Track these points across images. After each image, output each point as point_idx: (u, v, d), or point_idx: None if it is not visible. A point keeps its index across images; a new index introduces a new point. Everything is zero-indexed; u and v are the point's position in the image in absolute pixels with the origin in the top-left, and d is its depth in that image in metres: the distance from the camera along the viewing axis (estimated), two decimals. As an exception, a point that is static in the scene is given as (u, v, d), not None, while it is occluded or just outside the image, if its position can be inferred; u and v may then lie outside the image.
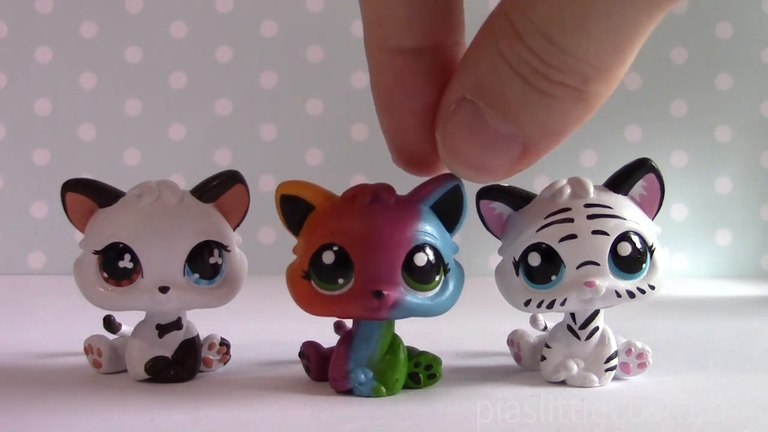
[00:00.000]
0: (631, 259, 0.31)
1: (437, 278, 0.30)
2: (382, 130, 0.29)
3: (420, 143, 0.29)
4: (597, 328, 0.33)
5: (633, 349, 0.33)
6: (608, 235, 0.31)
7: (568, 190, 0.31)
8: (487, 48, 0.23)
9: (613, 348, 0.33)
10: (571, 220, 0.31)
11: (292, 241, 0.32)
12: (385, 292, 0.29)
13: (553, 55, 0.21)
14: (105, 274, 0.32)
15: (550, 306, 0.31)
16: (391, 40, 0.27)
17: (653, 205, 0.32)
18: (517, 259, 0.32)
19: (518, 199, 0.32)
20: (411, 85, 0.28)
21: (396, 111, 0.29)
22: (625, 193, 0.32)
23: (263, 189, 0.77)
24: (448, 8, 0.26)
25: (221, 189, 0.33)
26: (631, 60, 0.22)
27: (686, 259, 0.81)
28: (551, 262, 0.31)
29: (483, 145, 0.24)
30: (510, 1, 0.22)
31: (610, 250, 0.31)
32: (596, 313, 0.33)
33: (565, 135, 0.24)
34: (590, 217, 0.31)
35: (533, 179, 0.78)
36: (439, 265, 0.30)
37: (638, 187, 0.32)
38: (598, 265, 0.31)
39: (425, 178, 0.31)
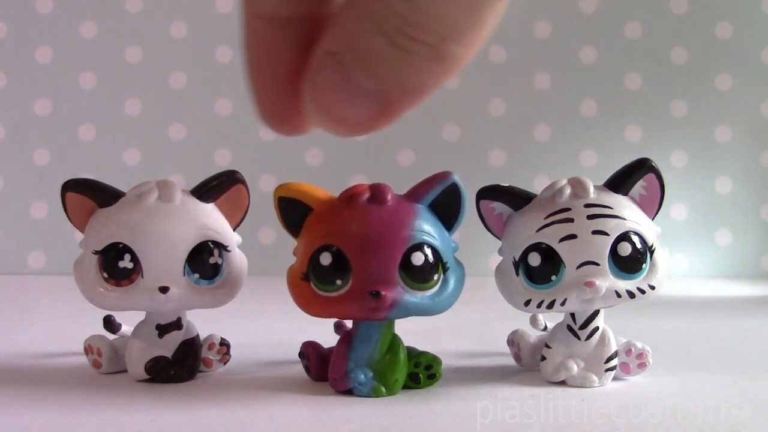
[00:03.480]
0: (631, 260, 0.31)
1: (436, 277, 0.30)
2: (248, 86, 0.31)
3: (281, 106, 0.30)
4: (597, 328, 0.33)
5: (633, 349, 0.33)
6: (608, 235, 0.31)
7: (568, 190, 0.31)
8: (356, 5, 0.25)
9: (613, 348, 0.33)
10: (571, 220, 0.31)
11: (292, 241, 0.32)
12: (382, 293, 0.29)
13: (411, 13, 0.23)
14: (105, 274, 0.32)
15: (550, 306, 0.31)
16: (264, 7, 0.28)
17: (653, 205, 0.32)
18: (517, 259, 0.32)
19: (518, 199, 0.32)
20: (278, 52, 0.29)
21: (262, 75, 0.30)
22: (625, 193, 0.32)
23: (263, 189, 0.77)
24: None
25: (221, 189, 0.33)
26: (489, 25, 0.24)
27: (686, 259, 0.81)
28: (551, 262, 0.31)
29: (345, 98, 0.26)
30: None
31: (610, 250, 0.31)
32: (596, 313, 0.33)
33: (424, 94, 0.26)
34: (590, 217, 0.31)
35: (533, 179, 0.78)
36: (437, 263, 0.30)
37: (638, 187, 0.32)
38: (598, 265, 0.31)
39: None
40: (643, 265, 0.31)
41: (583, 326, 0.33)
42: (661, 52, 0.83)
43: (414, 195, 0.31)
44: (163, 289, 0.32)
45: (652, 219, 0.32)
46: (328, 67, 0.26)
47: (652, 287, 0.31)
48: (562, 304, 0.31)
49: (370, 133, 0.27)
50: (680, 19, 0.82)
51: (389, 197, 0.30)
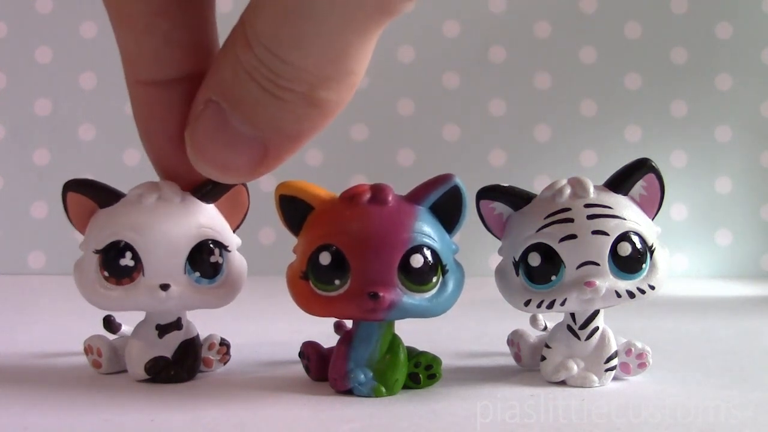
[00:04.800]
0: (631, 260, 0.31)
1: (434, 279, 0.30)
2: (146, 152, 0.32)
3: (178, 163, 0.31)
4: (597, 328, 0.33)
5: (633, 349, 0.33)
6: (608, 235, 0.31)
7: (568, 190, 0.31)
8: (229, 53, 0.25)
9: (613, 348, 0.33)
10: (571, 220, 0.31)
11: (292, 241, 0.32)
12: (380, 294, 0.29)
13: (277, 65, 0.23)
14: (105, 273, 0.32)
15: (550, 306, 0.31)
16: (142, 74, 0.29)
17: (653, 205, 0.32)
18: (517, 259, 0.32)
19: (518, 199, 0.32)
20: (164, 114, 0.30)
21: (153, 137, 0.31)
22: (625, 193, 0.32)
23: (263, 189, 0.77)
24: (200, 40, 0.28)
25: (221, 190, 0.33)
26: (360, 67, 0.24)
27: (686, 259, 0.81)
28: (551, 262, 0.31)
29: (226, 144, 0.26)
30: (247, 9, 0.24)
31: (610, 251, 0.31)
32: (596, 313, 0.33)
33: (305, 139, 0.26)
34: (590, 217, 0.31)
35: (533, 179, 0.79)
36: (436, 266, 0.30)
37: (638, 187, 0.32)
38: (598, 265, 0.31)
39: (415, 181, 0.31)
40: (643, 265, 0.31)
41: (583, 326, 0.33)
42: (661, 52, 0.83)
43: (415, 196, 0.31)
44: (164, 287, 0.32)
45: (652, 219, 0.32)
46: (208, 114, 0.26)
47: (652, 287, 0.31)
48: (562, 304, 0.31)
49: (253, 179, 0.27)
50: (680, 19, 0.82)
51: (390, 198, 0.30)
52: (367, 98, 0.81)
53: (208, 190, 0.33)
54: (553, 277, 0.31)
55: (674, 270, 0.79)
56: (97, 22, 0.82)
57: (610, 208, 0.31)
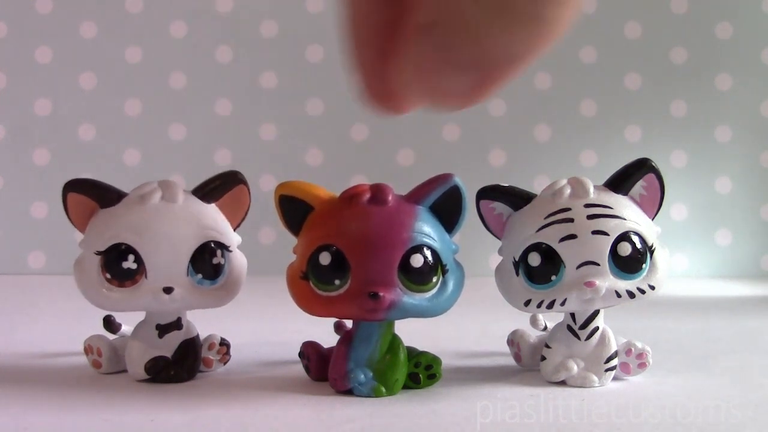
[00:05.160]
0: (631, 260, 0.31)
1: (434, 279, 0.30)
2: (352, 66, 0.31)
3: (386, 83, 0.30)
4: (597, 329, 0.33)
5: (633, 349, 0.33)
6: (608, 235, 0.31)
7: (568, 190, 0.31)
8: None
9: (613, 348, 0.33)
10: (571, 220, 0.31)
11: (292, 241, 0.32)
12: (380, 294, 0.29)
13: None
14: (108, 275, 0.32)
15: (550, 306, 0.31)
16: None
17: (653, 205, 0.32)
18: (517, 259, 0.32)
19: (518, 199, 0.32)
20: (383, 25, 0.29)
21: (366, 50, 0.30)
22: (625, 193, 0.32)
23: (263, 189, 0.77)
24: None
25: (223, 189, 0.33)
26: None
27: (686, 259, 0.81)
28: (551, 262, 0.31)
29: (445, 70, 0.25)
30: None
31: (610, 250, 0.31)
32: (596, 313, 0.33)
33: (524, 61, 0.25)
34: (590, 217, 0.31)
35: (533, 179, 0.78)
36: (436, 266, 0.30)
37: (638, 187, 0.32)
38: (598, 265, 0.31)
39: (419, 180, 0.31)
40: (643, 265, 0.31)
41: (583, 326, 0.33)
42: (661, 52, 0.83)
43: (415, 196, 0.31)
44: (168, 290, 0.32)
45: (652, 219, 0.32)
46: (425, 39, 0.26)
47: (652, 287, 0.31)
48: (562, 304, 0.31)
49: (471, 106, 0.26)
50: (680, 19, 0.82)
51: (390, 198, 0.30)
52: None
53: (209, 190, 0.33)
54: (553, 277, 0.31)
55: (674, 270, 0.79)
56: (97, 22, 0.82)
57: (610, 208, 0.31)
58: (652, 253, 0.31)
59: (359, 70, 0.30)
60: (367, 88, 0.31)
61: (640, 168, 0.32)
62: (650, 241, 0.31)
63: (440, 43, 0.26)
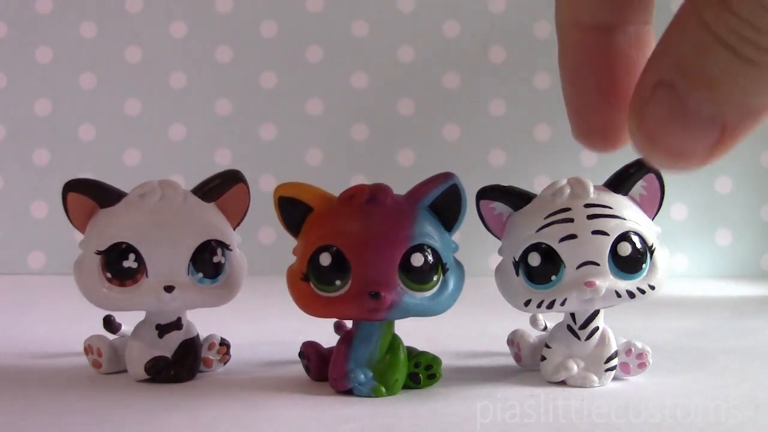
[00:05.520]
0: (631, 260, 0.31)
1: (435, 278, 0.30)
2: (565, 101, 0.30)
3: (602, 119, 0.30)
4: (597, 329, 0.33)
5: (633, 349, 0.33)
6: (608, 235, 0.31)
7: (568, 190, 0.31)
8: (689, 24, 0.24)
9: (613, 348, 0.33)
10: (571, 220, 0.31)
11: (292, 241, 0.32)
12: (382, 294, 0.29)
13: (759, 16, 0.22)
14: (108, 275, 0.32)
15: (550, 306, 0.31)
16: (584, 15, 0.28)
17: (653, 205, 0.32)
18: (517, 259, 0.32)
19: (518, 199, 0.32)
20: (600, 61, 0.29)
21: (582, 86, 0.30)
22: (625, 193, 0.32)
23: (263, 189, 0.77)
24: None
25: (222, 188, 0.34)
26: None
27: (686, 259, 0.81)
28: (551, 262, 0.31)
29: (682, 130, 0.25)
30: None
31: (610, 250, 0.31)
32: (596, 313, 0.33)
33: (765, 116, 0.25)
34: (590, 217, 0.31)
35: (533, 179, 0.78)
36: (437, 264, 0.30)
37: (638, 187, 0.32)
38: (598, 265, 0.31)
39: (427, 178, 0.31)
40: (643, 265, 0.31)
41: (583, 326, 0.33)
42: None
43: (414, 195, 0.31)
44: (169, 289, 0.32)
45: (652, 219, 0.32)
46: (659, 99, 0.25)
47: (652, 287, 0.31)
48: (562, 304, 0.31)
49: (705, 164, 0.26)
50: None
51: (389, 198, 0.30)
52: (367, 98, 0.81)
53: (209, 189, 0.33)
54: (553, 277, 0.31)
55: (674, 270, 0.79)
56: (97, 22, 0.82)
57: (610, 208, 0.31)
58: (652, 253, 0.31)
59: (574, 104, 0.30)
60: (580, 122, 0.31)
61: (640, 168, 0.32)
62: (650, 241, 0.31)
63: (675, 101, 0.25)
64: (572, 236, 0.31)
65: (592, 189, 0.31)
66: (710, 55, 0.23)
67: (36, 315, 0.55)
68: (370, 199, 0.30)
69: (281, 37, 0.82)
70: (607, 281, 0.31)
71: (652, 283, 0.31)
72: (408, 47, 0.82)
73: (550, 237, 0.31)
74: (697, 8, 0.24)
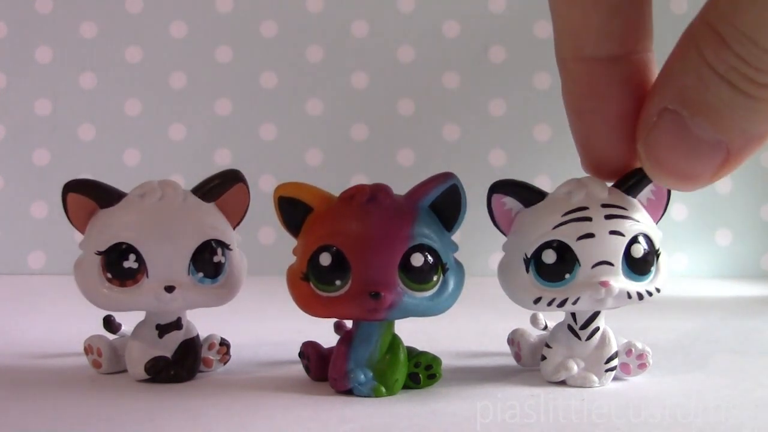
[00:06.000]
0: (642, 261, 0.31)
1: (435, 278, 0.30)
2: (572, 134, 0.31)
3: (611, 149, 0.30)
4: (597, 329, 0.33)
5: (633, 349, 0.33)
6: (624, 236, 0.31)
7: (584, 189, 0.31)
8: (689, 58, 0.25)
9: (614, 348, 0.33)
10: (590, 219, 0.31)
11: (292, 241, 0.32)
12: (382, 294, 0.29)
13: (761, 58, 0.22)
14: (109, 275, 0.32)
15: (562, 304, 0.31)
16: (585, 49, 0.28)
17: (659, 210, 0.32)
18: (529, 256, 0.31)
19: (531, 195, 0.32)
20: (605, 93, 0.29)
21: (588, 118, 0.30)
22: (634, 197, 0.32)
23: (263, 189, 0.77)
24: (640, 16, 0.27)
25: (222, 188, 0.34)
26: None
27: (686, 259, 0.81)
28: (566, 259, 0.31)
29: (687, 153, 0.25)
30: (713, 11, 0.23)
31: (624, 252, 0.31)
32: (597, 313, 0.33)
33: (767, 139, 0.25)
34: (608, 217, 0.31)
35: (533, 179, 0.78)
36: (437, 264, 0.30)
37: (647, 192, 0.32)
38: (612, 265, 0.31)
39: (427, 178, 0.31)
40: (652, 268, 0.31)
41: (584, 326, 0.33)
42: (660, 52, 0.82)
43: (414, 195, 0.31)
44: (169, 289, 0.32)
45: (656, 224, 0.32)
46: (664, 124, 0.26)
47: (658, 290, 0.32)
48: (575, 302, 0.31)
49: (710, 183, 0.26)
50: (680, 19, 0.82)
51: (389, 198, 0.30)
52: (367, 98, 0.81)
53: (209, 189, 0.33)
54: (567, 275, 0.31)
55: (674, 270, 0.79)
56: (97, 22, 0.82)
57: (625, 209, 0.31)
58: (658, 256, 0.32)
59: (582, 137, 0.30)
60: (589, 156, 0.31)
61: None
62: (657, 245, 0.31)
63: (679, 128, 0.25)
64: (590, 235, 0.30)
65: (607, 190, 0.31)
66: (711, 88, 0.24)
67: (36, 315, 0.55)
68: (370, 199, 0.30)
69: (281, 37, 0.82)
70: (620, 282, 0.31)
71: (657, 286, 0.32)
72: (408, 47, 0.82)
73: (568, 235, 0.31)
74: (696, 42, 0.24)
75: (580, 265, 0.31)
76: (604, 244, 0.31)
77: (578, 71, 0.29)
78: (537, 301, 0.31)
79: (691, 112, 0.25)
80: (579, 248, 0.31)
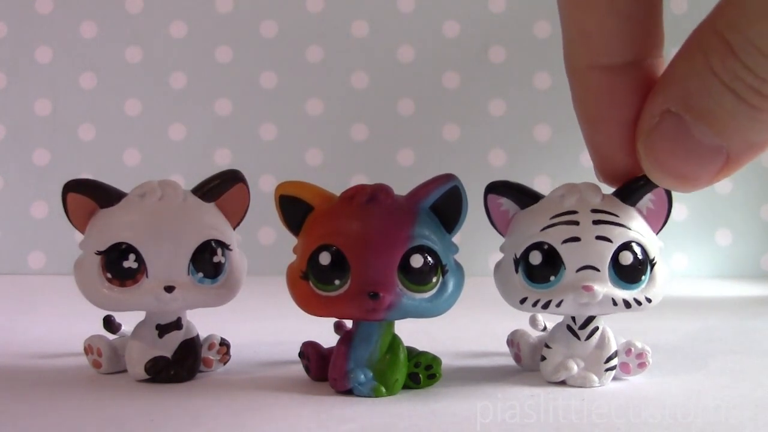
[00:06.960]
0: (631, 269, 0.31)
1: (434, 279, 0.30)
2: (585, 142, 0.30)
3: (625, 156, 0.30)
4: (597, 329, 0.33)
5: (633, 349, 0.33)
6: (611, 242, 0.31)
7: (577, 194, 0.31)
8: (695, 64, 0.25)
9: (613, 348, 0.33)
10: (577, 223, 0.31)
11: (292, 241, 0.32)
12: (380, 294, 0.29)
13: (763, 67, 0.22)
14: (109, 275, 0.32)
15: (545, 306, 0.31)
16: (599, 57, 0.28)
17: (659, 220, 0.32)
18: (518, 256, 0.31)
19: (526, 197, 0.32)
20: (619, 99, 0.29)
21: (602, 125, 0.30)
22: (632, 205, 0.32)
23: (263, 189, 0.77)
24: (653, 21, 0.27)
25: (222, 188, 0.34)
26: None
27: (686, 259, 0.81)
28: (552, 262, 0.31)
29: (687, 155, 0.25)
30: (721, 19, 0.23)
31: (612, 258, 0.31)
32: (596, 313, 0.33)
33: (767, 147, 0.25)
34: (596, 222, 0.31)
35: (533, 179, 0.79)
36: (436, 266, 0.30)
37: (646, 200, 0.32)
38: (597, 270, 0.31)
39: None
40: (643, 277, 0.31)
41: (583, 326, 0.33)
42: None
43: (415, 196, 0.31)
44: (169, 289, 0.32)
45: (657, 233, 0.32)
46: (666, 126, 0.26)
47: (649, 300, 0.31)
48: (558, 305, 0.31)
49: (709, 185, 0.26)
50: (680, 19, 0.82)
51: (390, 198, 0.30)
52: (367, 98, 0.81)
53: (209, 189, 0.33)
54: (552, 278, 0.31)
55: (674, 270, 0.79)
56: (97, 22, 0.82)
57: (616, 216, 0.31)
58: (653, 266, 0.31)
59: (596, 145, 0.30)
60: (603, 162, 0.31)
61: (649, 181, 0.32)
62: (652, 254, 0.31)
63: (680, 130, 0.25)
64: (576, 239, 0.31)
65: (601, 196, 0.31)
66: (714, 96, 0.24)
67: (36, 315, 0.55)
68: (370, 199, 0.30)
69: (281, 37, 0.82)
70: (605, 288, 0.31)
71: (649, 296, 0.31)
72: (408, 47, 0.82)
73: (554, 237, 0.31)
74: (703, 48, 0.24)
75: (565, 269, 0.31)
76: (589, 249, 0.30)
77: (592, 79, 0.29)
78: (523, 301, 0.31)
79: (694, 116, 0.25)
80: (564, 251, 0.31)
